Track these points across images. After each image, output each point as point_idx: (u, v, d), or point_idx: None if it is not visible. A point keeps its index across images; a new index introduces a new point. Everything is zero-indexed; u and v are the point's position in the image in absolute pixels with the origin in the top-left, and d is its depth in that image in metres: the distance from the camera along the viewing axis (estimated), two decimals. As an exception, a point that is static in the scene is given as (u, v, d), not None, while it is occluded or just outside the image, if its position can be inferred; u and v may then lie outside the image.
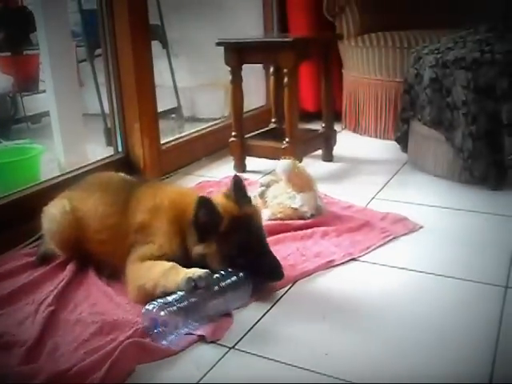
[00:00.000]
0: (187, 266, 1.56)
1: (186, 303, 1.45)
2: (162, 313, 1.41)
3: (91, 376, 1.27)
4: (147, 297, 1.52)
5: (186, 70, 4.32)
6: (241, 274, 1.57)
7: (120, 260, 1.67)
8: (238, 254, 1.58)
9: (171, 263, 1.56)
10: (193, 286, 1.47)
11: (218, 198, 1.68)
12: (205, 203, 1.58)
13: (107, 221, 1.74)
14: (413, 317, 1.54)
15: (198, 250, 1.60)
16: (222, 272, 1.56)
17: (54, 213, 1.83)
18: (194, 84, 4.33)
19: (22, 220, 2.03)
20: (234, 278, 1.56)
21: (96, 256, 1.78)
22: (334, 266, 1.82)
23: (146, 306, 1.44)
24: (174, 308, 1.42)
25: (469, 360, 1.35)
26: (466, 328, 1.48)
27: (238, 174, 2.72)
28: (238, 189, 1.67)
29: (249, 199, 1.71)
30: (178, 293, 1.47)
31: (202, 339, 1.45)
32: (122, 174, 2.00)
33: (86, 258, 1.80)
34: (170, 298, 1.45)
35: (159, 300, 1.45)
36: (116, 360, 1.31)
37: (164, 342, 1.42)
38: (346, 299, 1.63)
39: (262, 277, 1.63)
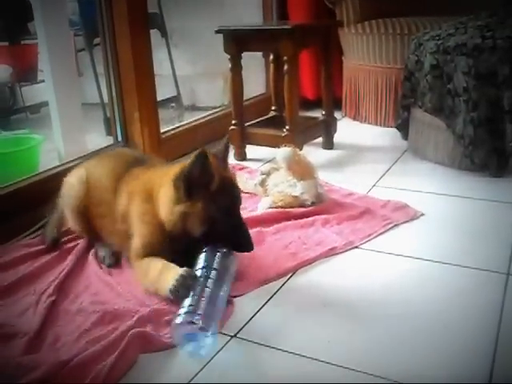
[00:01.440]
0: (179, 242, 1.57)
1: (204, 304, 1.40)
2: (195, 319, 1.35)
3: (93, 366, 1.27)
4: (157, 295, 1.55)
5: (186, 58, 4.30)
6: (218, 252, 1.54)
7: (116, 240, 1.72)
8: (221, 218, 1.54)
9: (160, 264, 1.54)
10: (178, 295, 1.45)
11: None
12: (202, 158, 1.50)
13: (103, 195, 1.76)
14: (414, 304, 1.54)
15: (180, 208, 1.54)
16: (202, 258, 1.52)
17: (71, 182, 1.86)
18: (193, 73, 4.31)
19: (21, 210, 2.03)
20: (219, 258, 1.53)
21: (99, 232, 1.81)
22: (335, 254, 1.81)
23: (175, 321, 1.37)
24: (199, 312, 1.37)
25: (470, 347, 1.35)
26: (468, 315, 1.48)
27: (238, 162, 2.75)
28: (225, 152, 1.67)
29: (227, 163, 1.69)
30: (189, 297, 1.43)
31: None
32: (138, 152, 2.01)
33: (95, 233, 1.84)
34: (186, 304, 1.40)
35: (181, 311, 1.39)
36: (123, 350, 1.31)
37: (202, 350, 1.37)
38: (348, 287, 1.63)
39: (234, 246, 1.58)
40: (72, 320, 1.48)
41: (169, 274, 1.50)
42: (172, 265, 1.53)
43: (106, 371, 1.26)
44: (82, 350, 1.31)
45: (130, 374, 1.30)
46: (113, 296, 1.58)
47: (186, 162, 1.53)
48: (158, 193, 1.61)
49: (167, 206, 1.57)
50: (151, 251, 1.60)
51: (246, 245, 1.59)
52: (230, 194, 1.59)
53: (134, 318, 1.43)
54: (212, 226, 1.54)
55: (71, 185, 1.85)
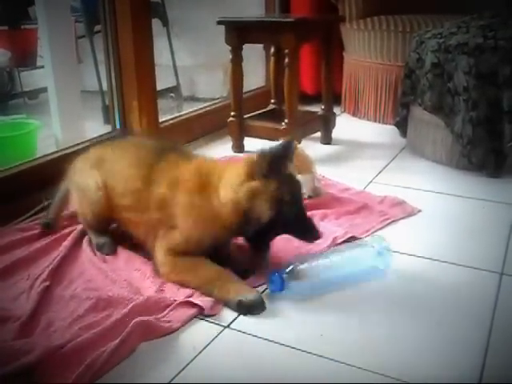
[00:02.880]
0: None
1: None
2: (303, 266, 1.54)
3: (87, 352, 1.27)
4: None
5: (186, 49, 4.28)
6: None
7: (141, 230, 1.68)
8: (290, 203, 1.52)
9: (215, 269, 1.54)
10: (245, 311, 1.46)
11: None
12: (290, 143, 1.56)
13: (132, 185, 1.68)
14: (408, 300, 1.54)
15: (252, 184, 1.51)
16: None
17: (87, 183, 1.78)
18: (193, 63, 4.29)
19: (17, 195, 2.03)
20: None
21: (122, 226, 1.78)
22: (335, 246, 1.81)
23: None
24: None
25: (463, 344, 1.36)
26: (461, 313, 1.49)
27: (235, 154, 2.74)
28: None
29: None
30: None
31: (200, 314, 1.46)
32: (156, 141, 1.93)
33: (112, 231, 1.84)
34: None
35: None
36: (125, 338, 1.32)
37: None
38: (343, 282, 1.63)
39: (301, 234, 1.58)
40: (65, 306, 1.48)
41: (230, 285, 1.50)
42: (232, 274, 1.54)
43: (105, 357, 1.26)
44: (75, 336, 1.31)
45: (126, 361, 1.30)
46: (107, 283, 1.58)
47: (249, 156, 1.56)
48: (218, 182, 1.56)
49: (233, 187, 1.53)
50: (193, 249, 1.57)
51: (313, 232, 1.57)
52: (297, 181, 1.59)
53: (129, 306, 1.43)
54: (280, 210, 1.51)
55: (86, 191, 1.78)
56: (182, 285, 1.56)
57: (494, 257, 1.77)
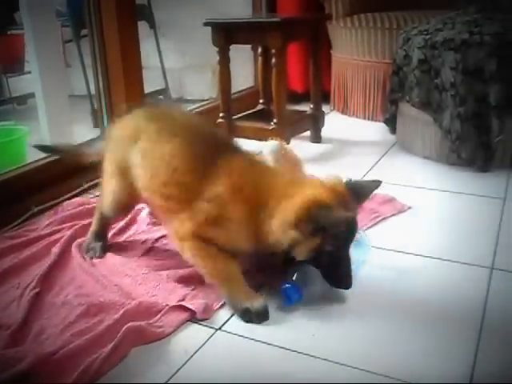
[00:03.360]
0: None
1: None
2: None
3: (79, 358, 1.27)
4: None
5: (174, 50, 4.27)
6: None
7: (175, 218, 1.56)
8: (329, 252, 1.45)
9: (235, 269, 1.51)
10: (248, 318, 1.46)
11: (340, 184, 1.52)
12: (353, 219, 1.46)
13: (180, 177, 1.55)
14: (399, 298, 1.54)
15: (296, 235, 1.42)
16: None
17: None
18: (181, 65, 4.29)
19: (6, 202, 2.02)
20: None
21: (155, 210, 1.75)
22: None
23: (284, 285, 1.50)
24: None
25: (455, 339, 1.37)
26: (452, 308, 1.50)
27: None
28: (368, 193, 1.58)
29: (363, 202, 1.60)
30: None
31: (192, 318, 1.46)
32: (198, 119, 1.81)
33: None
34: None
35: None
36: (117, 343, 1.31)
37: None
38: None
39: (331, 280, 1.51)
40: (57, 312, 1.47)
41: (242, 290, 1.49)
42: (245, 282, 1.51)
43: (99, 363, 1.26)
44: (67, 343, 1.31)
45: (118, 366, 1.30)
46: (98, 288, 1.58)
47: (317, 195, 1.44)
48: (274, 207, 1.46)
49: (281, 226, 1.44)
50: (221, 247, 1.52)
51: (343, 282, 1.50)
52: (348, 234, 1.48)
53: (120, 312, 1.42)
54: (318, 256, 1.47)
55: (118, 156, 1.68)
56: (197, 267, 1.55)
57: (484, 251, 1.78)
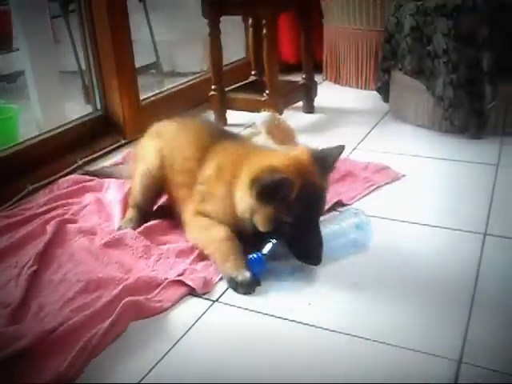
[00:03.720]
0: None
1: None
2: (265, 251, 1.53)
3: (79, 334, 1.29)
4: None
5: (164, 23, 4.22)
6: None
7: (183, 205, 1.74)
8: (292, 225, 1.48)
9: (226, 238, 1.56)
10: (233, 287, 1.49)
11: (303, 154, 1.55)
12: (282, 182, 1.45)
13: (186, 164, 1.75)
14: (394, 265, 1.56)
15: (251, 202, 1.50)
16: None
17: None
18: (172, 38, 4.24)
19: (2, 181, 2.02)
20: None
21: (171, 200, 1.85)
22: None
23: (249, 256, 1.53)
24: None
25: (449, 303, 1.40)
26: (446, 273, 1.52)
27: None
28: (333, 160, 1.59)
29: (330, 171, 1.60)
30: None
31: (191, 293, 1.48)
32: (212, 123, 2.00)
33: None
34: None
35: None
36: (116, 318, 1.33)
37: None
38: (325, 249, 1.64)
39: (299, 254, 1.52)
40: (55, 290, 1.49)
41: (231, 259, 1.52)
42: (239, 251, 1.55)
43: (98, 339, 1.28)
44: (67, 319, 1.33)
45: (117, 341, 1.32)
46: (98, 265, 1.59)
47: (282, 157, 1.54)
48: (242, 180, 1.55)
49: (241, 195, 1.54)
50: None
51: (310, 257, 1.51)
52: (310, 204, 1.50)
53: (119, 287, 1.44)
54: (279, 228, 1.50)
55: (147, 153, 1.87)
56: (195, 241, 1.65)
57: (477, 218, 1.79)
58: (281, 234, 1.52)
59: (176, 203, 1.80)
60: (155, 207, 1.93)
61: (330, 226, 1.62)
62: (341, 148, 1.61)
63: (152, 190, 1.86)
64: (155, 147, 1.84)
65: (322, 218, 1.57)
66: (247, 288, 1.48)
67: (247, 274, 1.49)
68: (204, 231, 1.62)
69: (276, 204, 1.47)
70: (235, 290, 1.48)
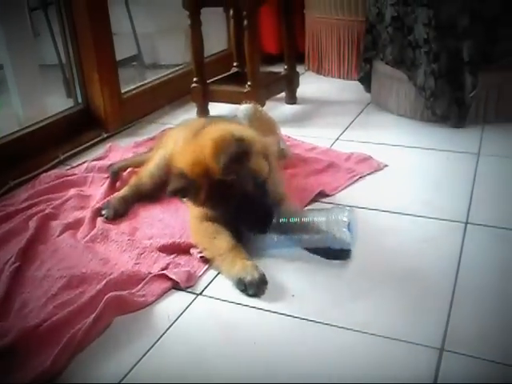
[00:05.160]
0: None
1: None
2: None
3: (63, 330, 1.28)
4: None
5: (145, 15, 4.18)
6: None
7: None
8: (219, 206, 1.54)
9: (232, 248, 1.53)
10: (243, 289, 1.46)
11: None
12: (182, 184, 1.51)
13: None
14: (377, 256, 1.57)
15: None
16: None
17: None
18: (154, 30, 4.21)
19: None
20: None
21: None
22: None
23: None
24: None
25: (431, 292, 1.41)
26: (428, 262, 1.54)
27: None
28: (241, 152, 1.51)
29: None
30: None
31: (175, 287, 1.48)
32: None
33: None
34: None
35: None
36: (99, 314, 1.33)
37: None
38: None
39: (246, 224, 1.56)
40: (39, 286, 1.48)
41: (238, 261, 1.50)
42: (243, 251, 1.54)
43: (82, 334, 1.28)
44: (51, 315, 1.33)
45: (102, 336, 1.32)
46: (82, 260, 1.58)
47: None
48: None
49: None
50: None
51: (257, 226, 1.54)
52: (228, 195, 1.50)
53: (103, 282, 1.44)
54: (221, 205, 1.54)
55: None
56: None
57: (458, 207, 1.81)
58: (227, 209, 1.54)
59: None
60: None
61: (317, 218, 1.58)
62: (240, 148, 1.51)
63: (160, 177, 1.88)
64: (178, 137, 1.84)
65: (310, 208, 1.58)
66: (257, 288, 1.44)
67: (256, 275, 1.46)
68: (209, 240, 1.59)
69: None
70: (245, 291, 1.45)
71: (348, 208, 1.60)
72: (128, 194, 1.91)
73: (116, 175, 2.07)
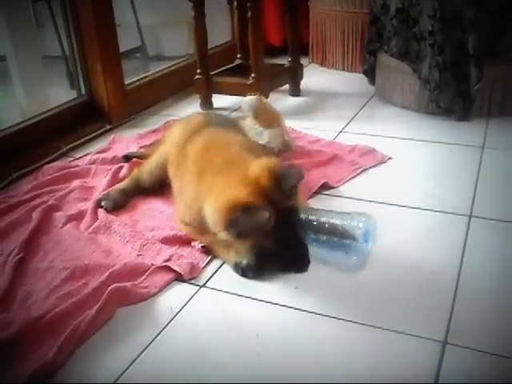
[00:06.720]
0: None
1: None
2: None
3: (66, 321, 1.28)
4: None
5: (149, 7, 4.17)
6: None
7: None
8: (272, 246, 1.44)
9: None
10: (241, 273, 1.47)
11: (263, 178, 1.43)
12: (254, 217, 1.38)
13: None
14: (381, 249, 1.56)
15: (224, 236, 1.45)
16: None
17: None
18: (157, 21, 4.19)
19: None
20: None
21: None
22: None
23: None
24: None
25: (435, 285, 1.41)
26: (432, 255, 1.53)
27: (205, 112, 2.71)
28: (289, 179, 1.45)
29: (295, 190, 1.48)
30: None
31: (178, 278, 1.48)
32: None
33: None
34: None
35: None
36: (102, 305, 1.33)
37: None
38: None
39: (286, 266, 1.49)
40: (42, 277, 1.48)
41: (232, 249, 1.51)
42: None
43: (84, 326, 1.28)
44: (54, 307, 1.33)
45: (104, 327, 1.32)
46: (84, 251, 1.58)
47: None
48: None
49: (214, 225, 1.48)
50: None
51: (297, 264, 1.49)
52: (286, 227, 1.44)
53: (106, 274, 1.44)
54: (261, 249, 1.46)
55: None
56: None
57: (462, 200, 1.80)
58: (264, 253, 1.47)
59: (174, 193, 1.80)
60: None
61: (333, 220, 1.51)
62: (301, 175, 1.49)
63: (158, 175, 1.88)
64: (176, 136, 1.85)
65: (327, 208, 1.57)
66: (254, 271, 1.46)
67: (252, 258, 1.46)
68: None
69: (252, 236, 1.43)
70: (243, 275, 1.46)
71: (367, 214, 1.51)
72: (128, 187, 1.91)
73: (128, 159, 2.12)
